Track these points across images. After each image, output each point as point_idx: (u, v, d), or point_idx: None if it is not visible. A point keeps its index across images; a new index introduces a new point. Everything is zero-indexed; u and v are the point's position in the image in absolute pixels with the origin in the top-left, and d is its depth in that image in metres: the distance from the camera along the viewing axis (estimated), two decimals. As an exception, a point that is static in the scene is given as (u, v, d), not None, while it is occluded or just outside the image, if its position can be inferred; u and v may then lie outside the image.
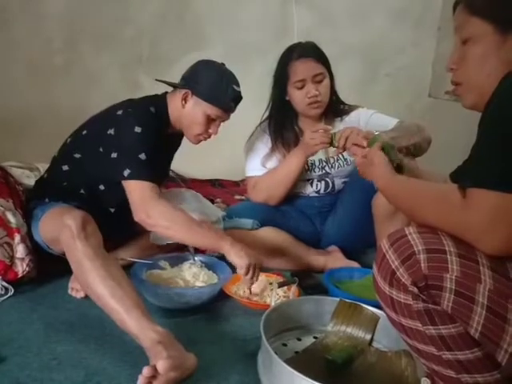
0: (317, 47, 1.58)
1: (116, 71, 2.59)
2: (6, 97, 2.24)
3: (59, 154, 1.46)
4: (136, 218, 1.26)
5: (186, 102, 1.38)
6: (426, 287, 0.69)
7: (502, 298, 0.66)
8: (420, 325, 0.72)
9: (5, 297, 1.27)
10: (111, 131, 1.33)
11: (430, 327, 0.71)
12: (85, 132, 1.42)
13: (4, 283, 1.28)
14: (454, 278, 0.67)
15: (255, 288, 1.32)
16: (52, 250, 1.32)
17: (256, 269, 1.25)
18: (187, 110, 1.39)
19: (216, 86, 1.36)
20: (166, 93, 1.45)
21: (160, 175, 1.54)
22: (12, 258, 1.29)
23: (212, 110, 1.37)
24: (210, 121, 1.40)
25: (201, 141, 1.46)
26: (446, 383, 0.73)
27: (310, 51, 1.56)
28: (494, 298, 0.65)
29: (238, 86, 1.40)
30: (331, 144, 1.44)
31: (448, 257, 0.68)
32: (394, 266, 0.72)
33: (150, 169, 1.28)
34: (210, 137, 1.45)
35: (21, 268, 1.30)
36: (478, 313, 0.66)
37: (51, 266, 1.35)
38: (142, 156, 1.28)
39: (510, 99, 0.69)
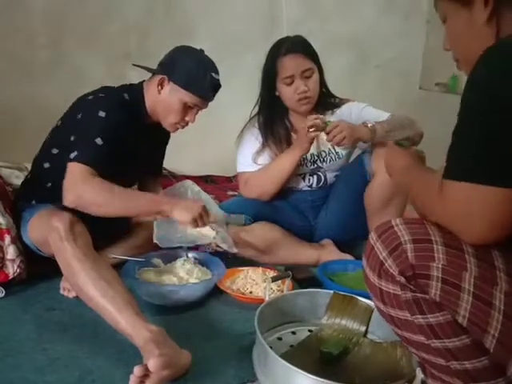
0: (305, 42, 1.56)
1: (103, 67, 2.55)
2: (-10, 94, 2.20)
3: (40, 151, 1.42)
4: (65, 202, 1.18)
5: (162, 88, 1.35)
6: (413, 277, 0.70)
7: (487, 285, 0.66)
8: (409, 314, 0.73)
9: (-4, 299, 1.25)
10: (79, 116, 1.30)
11: (419, 316, 0.72)
12: (59, 123, 1.39)
13: (-6, 285, 1.26)
14: (440, 266, 0.68)
15: (207, 231, 1.32)
16: (42, 252, 1.30)
17: (201, 218, 1.24)
18: (163, 97, 1.35)
19: (194, 73, 1.32)
20: (144, 81, 1.42)
21: (147, 168, 1.51)
22: (2, 259, 1.28)
23: (189, 98, 1.34)
24: (186, 108, 1.36)
25: (177, 129, 1.43)
26: (437, 371, 0.74)
27: (298, 46, 1.53)
28: (479, 284, 0.66)
29: (217, 73, 1.36)
30: (323, 129, 1.43)
31: (434, 246, 0.69)
32: (381, 257, 0.72)
33: (101, 155, 1.21)
34: (187, 125, 1.42)
35: (12, 269, 1.29)
36: (465, 300, 0.66)
37: (42, 267, 1.33)
38: (98, 140, 1.22)
39: (474, 86, 0.67)
